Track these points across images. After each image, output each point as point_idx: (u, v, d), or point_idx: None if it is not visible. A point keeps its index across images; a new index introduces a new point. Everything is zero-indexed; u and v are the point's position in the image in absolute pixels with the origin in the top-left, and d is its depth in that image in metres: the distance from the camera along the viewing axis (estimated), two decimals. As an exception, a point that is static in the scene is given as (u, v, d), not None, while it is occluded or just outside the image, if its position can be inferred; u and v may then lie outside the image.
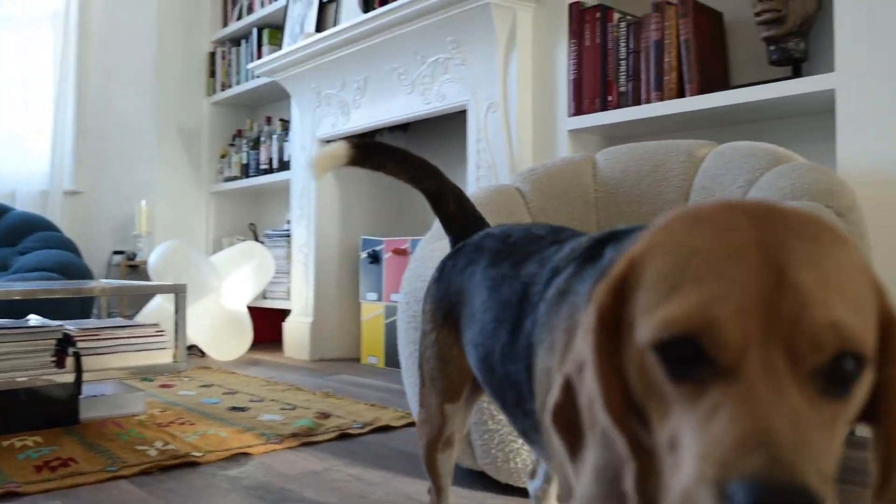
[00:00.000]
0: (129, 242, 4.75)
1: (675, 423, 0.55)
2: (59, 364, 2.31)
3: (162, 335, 2.47)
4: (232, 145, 4.95)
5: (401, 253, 3.53)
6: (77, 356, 2.30)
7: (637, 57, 2.70)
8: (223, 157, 4.98)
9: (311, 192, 3.97)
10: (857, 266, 0.57)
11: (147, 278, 4.73)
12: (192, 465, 1.96)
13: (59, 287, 2.55)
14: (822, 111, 2.33)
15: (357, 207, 4.06)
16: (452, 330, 1.14)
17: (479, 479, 1.82)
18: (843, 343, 0.53)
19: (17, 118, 4.60)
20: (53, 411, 2.38)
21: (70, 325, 2.42)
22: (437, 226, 2.10)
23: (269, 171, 4.51)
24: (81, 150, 4.77)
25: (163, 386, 3.07)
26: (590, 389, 0.62)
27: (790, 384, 0.52)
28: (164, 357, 2.47)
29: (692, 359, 0.54)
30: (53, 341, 2.31)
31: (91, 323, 2.54)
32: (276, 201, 4.88)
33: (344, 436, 2.27)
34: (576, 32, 2.87)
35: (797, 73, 2.45)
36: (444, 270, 1.19)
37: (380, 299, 3.63)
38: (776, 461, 0.48)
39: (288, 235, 4.17)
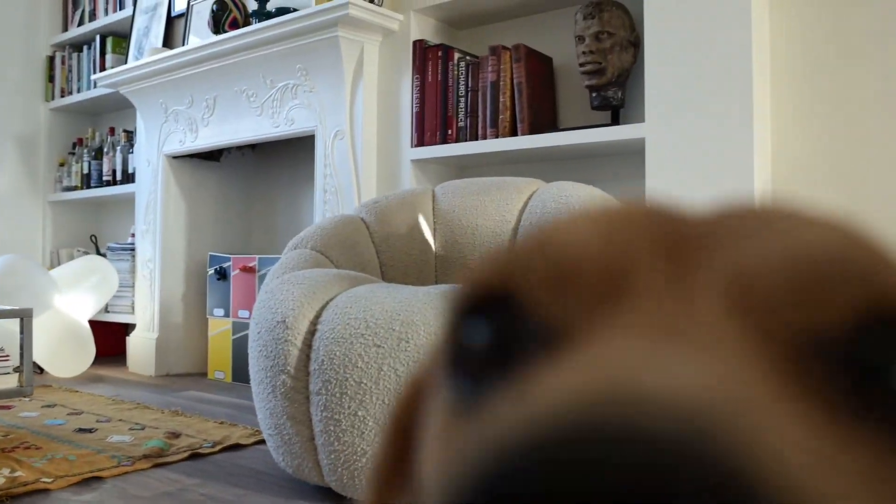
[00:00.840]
0: (-43, 253, 4.56)
1: None
2: None
3: (7, 360, 2.47)
4: (72, 153, 4.83)
5: (248, 270, 3.61)
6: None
7: (475, 95, 2.94)
8: (62, 165, 4.86)
9: (157, 207, 3.98)
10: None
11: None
12: (44, 492, 2.00)
13: None
14: (635, 153, 2.63)
15: (203, 224, 4.10)
16: None
17: (326, 494, 1.98)
18: (869, 288, 0.23)
19: None
20: None
21: None
22: (286, 258, 2.24)
23: (113, 182, 4.46)
24: None
25: (1, 407, 3.03)
26: None
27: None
28: (9, 382, 2.47)
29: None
30: None
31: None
32: (119, 213, 4.81)
33: (195, 455, 2.36)
34: (419, 68, 3.07)
35: (615, 119, 2.75)
36: None
37: (227, 315, 3.70)
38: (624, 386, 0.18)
39: (132, 249, 4.15)
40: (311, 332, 1.86)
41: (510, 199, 2.44)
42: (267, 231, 4.17)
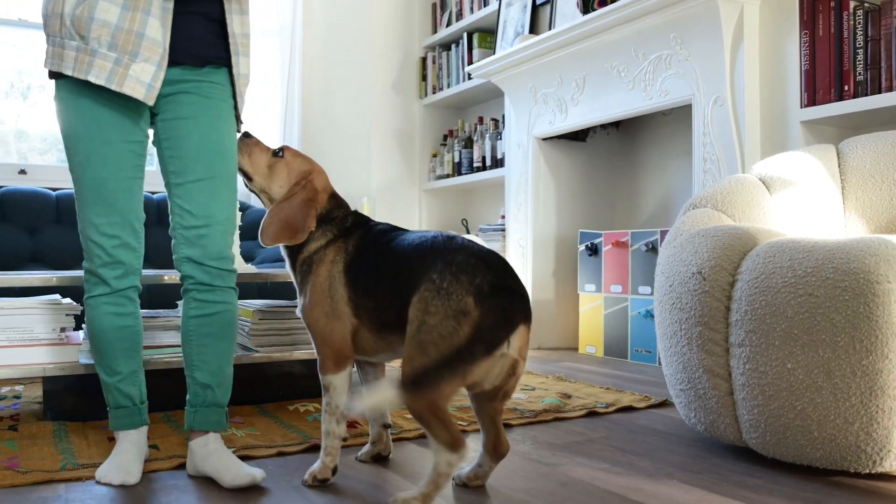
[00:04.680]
0: (350, 237, 5.11)
1: None
2: (335, 341, 2.58)
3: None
4: (443, 145, 5.21)
5: (621, 245, 3.63)
6: (349, 334, 2.58)
7: (876, 45, 2.68)
8: (434, 156, 5.25)
9: (527, 188, 4.15)
10: None
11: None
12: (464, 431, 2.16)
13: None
14: None
15: (571, 202, 4.20)
16: None
17: (743, 454, 1.91)
18: None
19: (248, 126, 5.05)
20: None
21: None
22: (685, 217, 2.20)
23: (483, 168, 4.72)
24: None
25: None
26: None
27: None
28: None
29: None
30: (328, 320, 2.59)
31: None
32: (486, 197, 5.10)
33: (591, 413, 2.41)
34: (807, 23, 2.87)
35: None
36: None
37: (599, 290, 3.75)
38: None
39: (503, 230, 4.37)
40: (731, 283, 1.81)
41: (934, 150, 2.19)
42: (631, 207, 4.17)
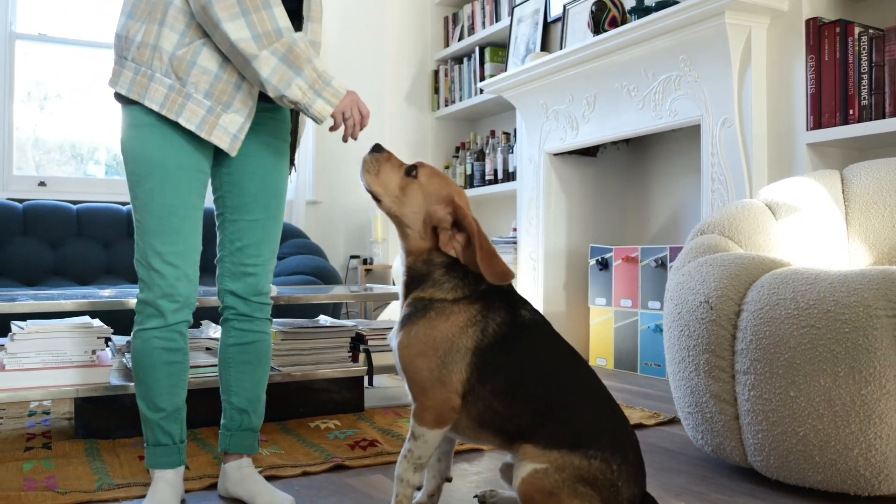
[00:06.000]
0: (364, 248, 5.21)
1: None
2: (354, 359, 2.68)
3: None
4: (455, 157, 5.30)
5: (631, 261, 3.71)
6: (368, 353, 2.67)
7: (880, 71, 2.75)
8: (447, 168, 5.34)
9: (539, 202, 4.23)
10: None
11: (381, 280, 5.17)
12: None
13: (353, 292, 2.93)
14: None
15: (582, 217, 4.28)
16: None
17: (748, 475, 1.99)
18: None
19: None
20: (343, 399, 2.76)
21: (361, 325, 2.78)
22: (694, 243, 2.28)
23: (494, 181, 4.81)
24: (320, 164, 5.27)
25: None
26: None
27: None
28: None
29: None
30: (348, 339, 2.68)
31: (378, 323, 2.91)
32: (498, 210, 5.18)
33: (602, 431, 2.49)
34: (813, 48, 2.94)
35: None
36: None
37: (609, 304, 3.82)
38: None
39: (514, 242, 4.45)
40: (737, 313, 1.89)
41: (935, 178, 2.26)
42: (640, 222, 4.25)
